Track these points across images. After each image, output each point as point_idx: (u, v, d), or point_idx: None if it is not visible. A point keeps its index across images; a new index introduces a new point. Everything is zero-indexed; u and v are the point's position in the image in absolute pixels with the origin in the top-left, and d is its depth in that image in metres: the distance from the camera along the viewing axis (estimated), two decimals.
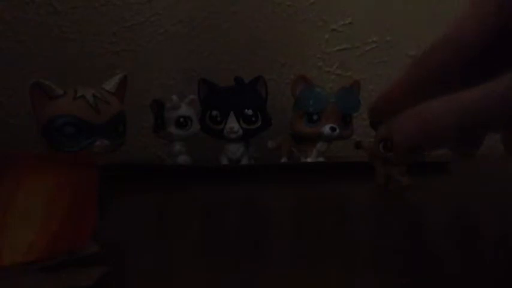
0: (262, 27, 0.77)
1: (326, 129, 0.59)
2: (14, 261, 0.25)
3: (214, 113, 0.61)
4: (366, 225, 0.39)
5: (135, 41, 0.78)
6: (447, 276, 0.26)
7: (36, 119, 0.50)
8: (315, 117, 0.60)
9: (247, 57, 0.78)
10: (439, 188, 0.50)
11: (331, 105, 0.60)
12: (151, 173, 0.58)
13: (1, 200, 0.26)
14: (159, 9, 0.77)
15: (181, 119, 0.60)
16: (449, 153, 0.29)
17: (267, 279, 0.26)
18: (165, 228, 0.39)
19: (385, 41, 0.79)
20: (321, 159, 0.61)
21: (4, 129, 0.75)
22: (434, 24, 0.74)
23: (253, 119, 0.61)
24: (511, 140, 0.22)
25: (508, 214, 0.40)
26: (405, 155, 0.24)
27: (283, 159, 0.62)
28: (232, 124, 0.60)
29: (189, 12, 0.77)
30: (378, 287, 0.25)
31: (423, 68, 0.24)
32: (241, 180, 0.57)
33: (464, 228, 0.38)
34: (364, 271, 0.28)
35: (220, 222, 0.40)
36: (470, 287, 0.24)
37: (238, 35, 0.77)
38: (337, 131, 0.59)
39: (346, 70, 0.78)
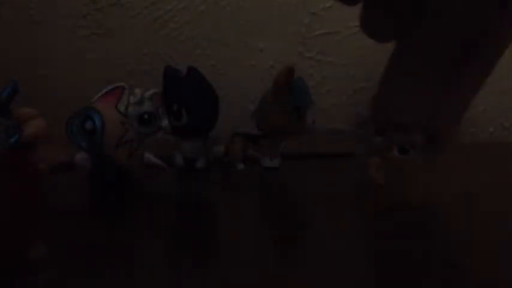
0: (240, 12, 0.74)
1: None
2: None
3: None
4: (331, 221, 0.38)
5: (106, 24, 0.74)
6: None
7: None
8: (302, 112, 0.52)
9: (224, 41, 0.75)
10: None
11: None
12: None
13: None
14: None
15: (145, 116, 0.49)
16: None
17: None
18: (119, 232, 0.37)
19: None
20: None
21: None
22: None
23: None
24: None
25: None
26: None
27: (239, 166, 0.54)
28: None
29: None
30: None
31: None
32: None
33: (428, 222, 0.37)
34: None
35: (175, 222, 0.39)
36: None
37: (216, 19, 0.74)
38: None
39: (327, 56, 0.75)
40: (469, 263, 0.29)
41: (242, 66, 0.75)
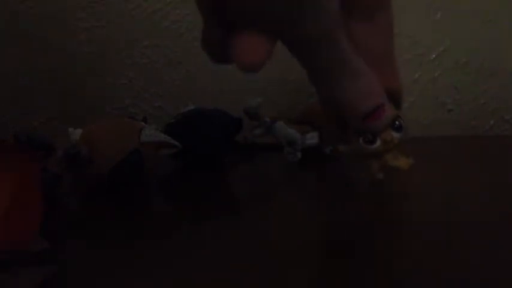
0: None
1: None
2: None
3: None
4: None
5: (106, 17, 0.74)
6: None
7: None
8: None
9: None
10: None
11: None
12: None
13: None
14: None
15: None
16: None
17: None
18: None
19: None
20: None
21: None
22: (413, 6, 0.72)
23: None
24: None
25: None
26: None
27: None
28: None
29: None
30: None
31: None
32: None
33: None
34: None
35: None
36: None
37: None
38: None
39: None
40: (467, 256, 0.29)
41: None
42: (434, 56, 0.73)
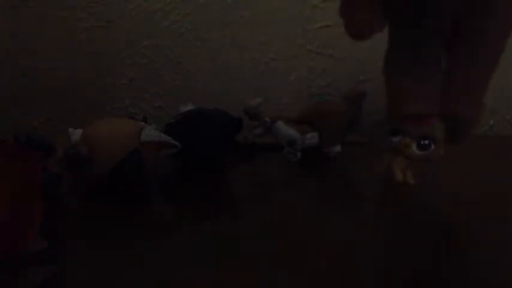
0: (241, 4, 0.74)
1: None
2: None
3: None
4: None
5: (106, 17, 0.74)
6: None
7: None
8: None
9: (225, 34, 0.74)
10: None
11: None
12: None
13: None
14: None
15: None
16: None
17: None
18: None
19: None
20: None
21: None
22: None
23: None
24: None
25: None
26: None
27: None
28: None
29: None
30: None
31: None
32: None
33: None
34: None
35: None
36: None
37: (216, 11, 0.74)
38: None
39: (327, 48, 0.75)
40: (468, 261, 0.29)
41: (243, 59, 0.74)
42: None
